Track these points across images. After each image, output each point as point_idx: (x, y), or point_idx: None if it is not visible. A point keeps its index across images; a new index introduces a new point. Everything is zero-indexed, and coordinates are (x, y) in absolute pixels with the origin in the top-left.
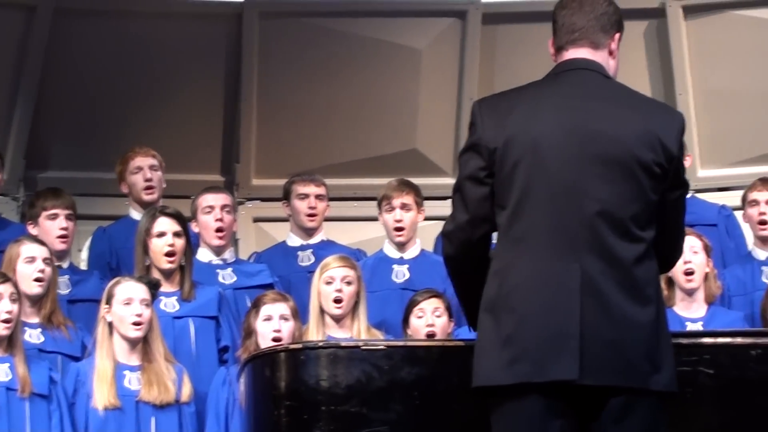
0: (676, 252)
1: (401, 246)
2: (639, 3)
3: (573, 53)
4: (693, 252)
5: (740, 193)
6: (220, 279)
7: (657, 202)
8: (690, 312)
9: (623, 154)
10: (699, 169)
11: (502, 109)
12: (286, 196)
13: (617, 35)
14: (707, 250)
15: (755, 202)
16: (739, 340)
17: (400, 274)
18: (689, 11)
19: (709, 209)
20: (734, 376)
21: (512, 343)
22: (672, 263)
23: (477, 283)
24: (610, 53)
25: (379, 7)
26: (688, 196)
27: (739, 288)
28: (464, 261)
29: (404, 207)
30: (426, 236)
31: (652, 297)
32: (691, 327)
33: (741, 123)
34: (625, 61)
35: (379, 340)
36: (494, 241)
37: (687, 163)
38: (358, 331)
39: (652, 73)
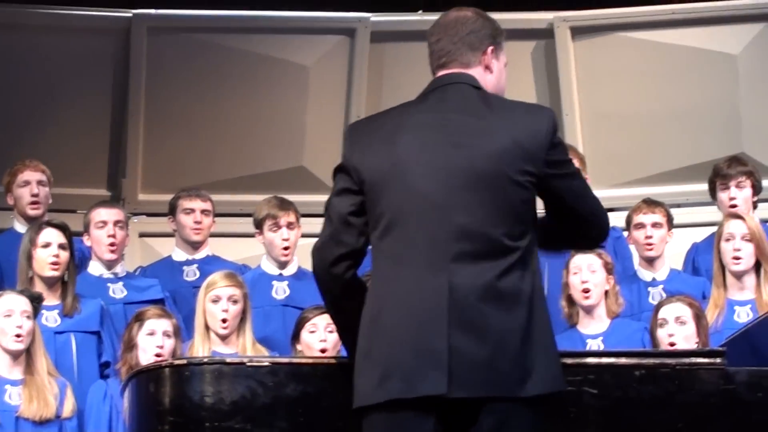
0: (593, 229)
1: (281, 263)
2: (527, 24)
3: (444, 72)
4: (591, 271)
5: (625, 213)
6: (111, 293)
7: (530, 209)
8: (591, 329)
9: (489, 167)
10: None
11: (370, 130)
12: (171, 211)
13: (490, 49)
14: (607, 267)
15: (641, 225)
16: (623, 360)
17: (281, 290)
18: (577, 32)
19: None
20: (618, 396)
21: (383, 361)
22: (596, 238)
23: (346, 299)
24: (487, 68)
25: (267, 24)
26: None
27: (625, 309)
28: (330, 278)
29: (290, 226)
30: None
31: (523, 305)
32: (591, 344)
33: (626, 144)
34: (512, 82)
35: (264, 356)
36: None
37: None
38: (244, 347)
39: (539, 93)
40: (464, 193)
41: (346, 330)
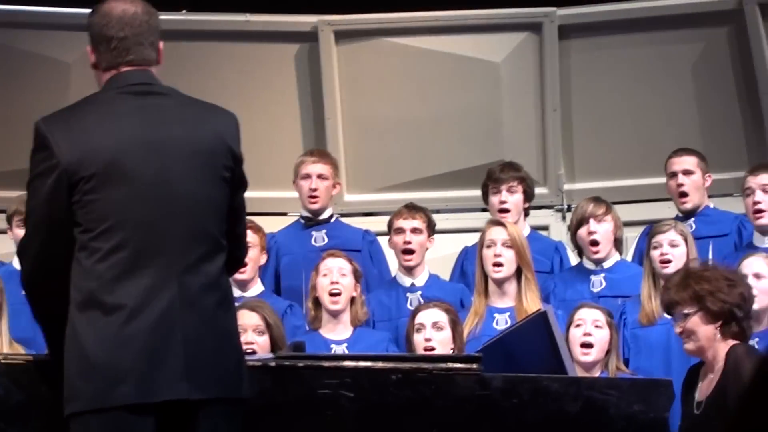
0: (243, 250)
1: None
2: (291, 26)
3: (132, 69)
4: (341, 274)
5: (386, 218)
6: None
7: (228, 206)
8: (335, 334)
9: (203, 164)
10: (345, 194)
11: (76, 128)
12: None
13: (162, 45)
14: (356, 274)
15: (401, 230)
16: (380, 364)
17: None
18: (341, 36)
19: (353, 234)
20: (374, 399)
21: (112, 365)
22: (240, 262)
23: (56, 306)
24: (158, 63)
25: (28, 19)
26: (333, 220)
27: (384, 313)
28: (41, 284)
29: None
30: None
31: (232, 306)
32: (335, 349)
33: (388, 149)
34: (275, 84)
35: (20, 354)
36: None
37: (336, 190)
38: (0, 345)
39: (301, 96)
40: (185, 192)
41: (54, 332)
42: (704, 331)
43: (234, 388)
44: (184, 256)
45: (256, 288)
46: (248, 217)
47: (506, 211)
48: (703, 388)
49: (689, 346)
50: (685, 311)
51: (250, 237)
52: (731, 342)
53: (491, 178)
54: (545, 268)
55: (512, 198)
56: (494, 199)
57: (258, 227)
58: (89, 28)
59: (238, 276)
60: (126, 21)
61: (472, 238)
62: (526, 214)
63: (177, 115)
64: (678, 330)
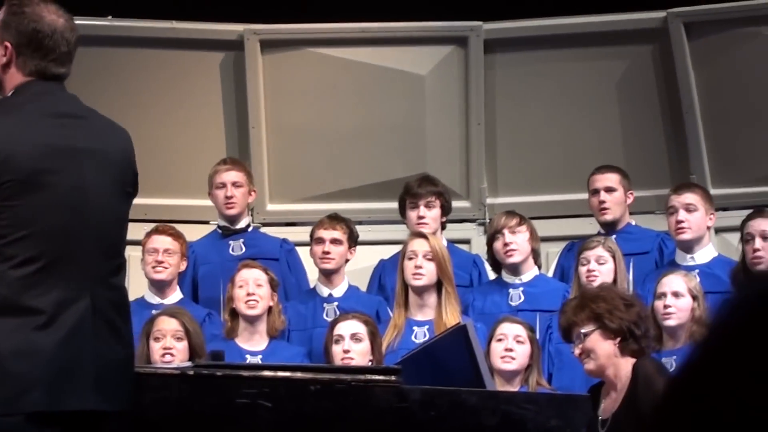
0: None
1: None
2: (217, 35)
3: (53, 80)
4: (257, 285)
5: (308, 228)
6: None
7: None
8: (251, 345)
9: (117, 179)
10: (268, 204)
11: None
12: None
13: None
14: (272, 283)
15: (321, 240)
16: (299, 374)
17: None
18: (267, 46)
19: (271, 243)
20: (293, 410)
21: (26, 372)
22: None
23: None
24: None
25: None
26: (250, 229)
27: (299, 323)
28: None
29: None
30: None
31: (130, 315)
32: (250, 360)
33: (312, 159)
34: (200, 92)
35: None
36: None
37: (251, 197)
38: None
39: (226, 105)
40: (101, 203)
41: None
42: (603, 348)
43: (130, 400)
44: (96, 268)
45: (176, 295)
46: (171, 224)
47: (424, 225)
48: (607, 407)
49: (589, 365)
50: (584, 330)
51: (171, 244)
52: (631, 359)
53: (409, 193)
54: (463, 281)
55: (430, 213)
56: (412, 214)
57: (179, 234)
58: (20, 26)
59: (156, 276)
60: (67, 37)
61: (392, 251)
62: (443, 228)
63: (89, 128)
64: (577, 351)
